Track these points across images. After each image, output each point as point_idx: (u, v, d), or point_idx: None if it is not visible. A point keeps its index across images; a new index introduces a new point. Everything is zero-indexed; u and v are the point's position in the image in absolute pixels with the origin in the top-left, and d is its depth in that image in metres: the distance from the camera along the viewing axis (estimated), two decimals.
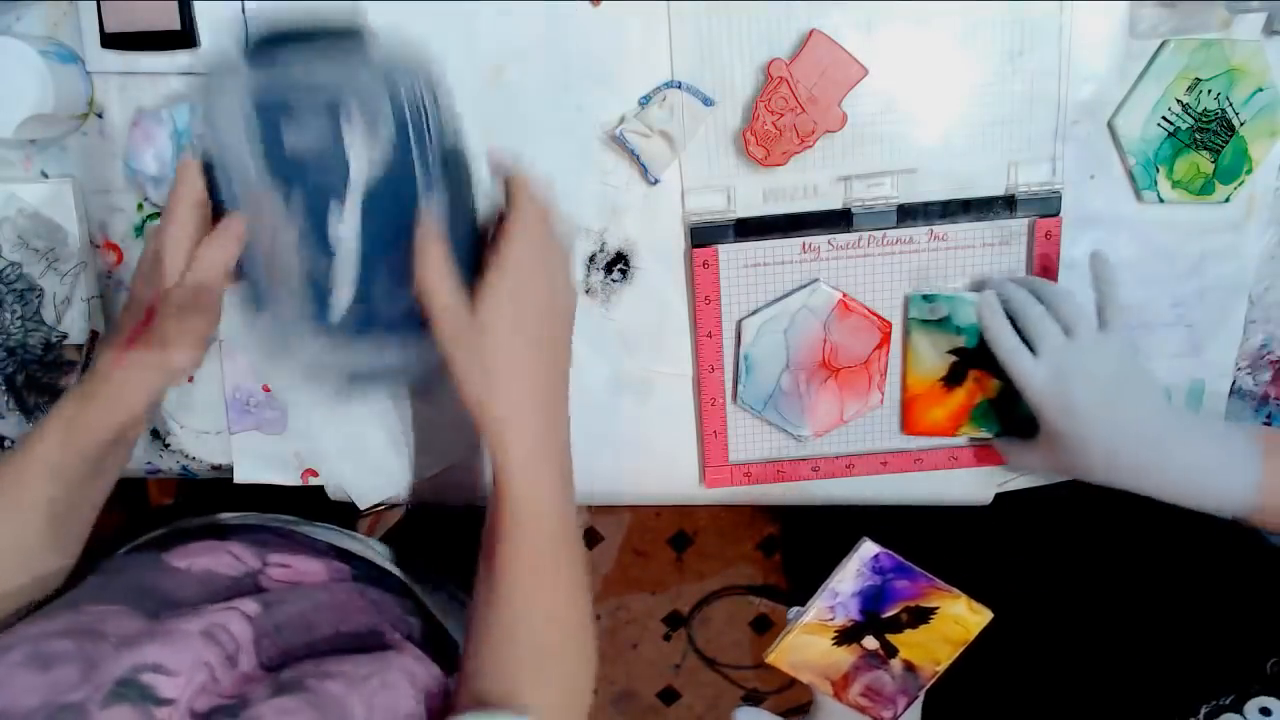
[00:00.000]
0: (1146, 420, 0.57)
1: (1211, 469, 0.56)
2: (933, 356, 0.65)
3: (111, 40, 0.58)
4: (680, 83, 0.61)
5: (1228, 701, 0.53)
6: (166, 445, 0.67)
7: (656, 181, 0.62)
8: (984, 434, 0.67)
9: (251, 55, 0.49)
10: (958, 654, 0.59)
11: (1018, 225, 0.63)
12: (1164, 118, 0.62)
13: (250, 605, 0.51)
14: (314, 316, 0.50)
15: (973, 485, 0.70)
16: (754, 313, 0.64)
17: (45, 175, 0.62)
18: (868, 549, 0.57)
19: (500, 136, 0.62)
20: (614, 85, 0.61)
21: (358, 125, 0.49)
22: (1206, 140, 0.62)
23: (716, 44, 0.60)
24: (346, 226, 0.50)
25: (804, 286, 0.64)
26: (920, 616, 0.58)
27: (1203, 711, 0.54)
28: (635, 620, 1.67)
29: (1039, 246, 0.63)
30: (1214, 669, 0.56)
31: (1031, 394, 0.58)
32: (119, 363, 0.49)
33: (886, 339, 0.65)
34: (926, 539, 0.70)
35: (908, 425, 0.67)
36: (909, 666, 0.59)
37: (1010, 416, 0.65)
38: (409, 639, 0.55)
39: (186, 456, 0.68)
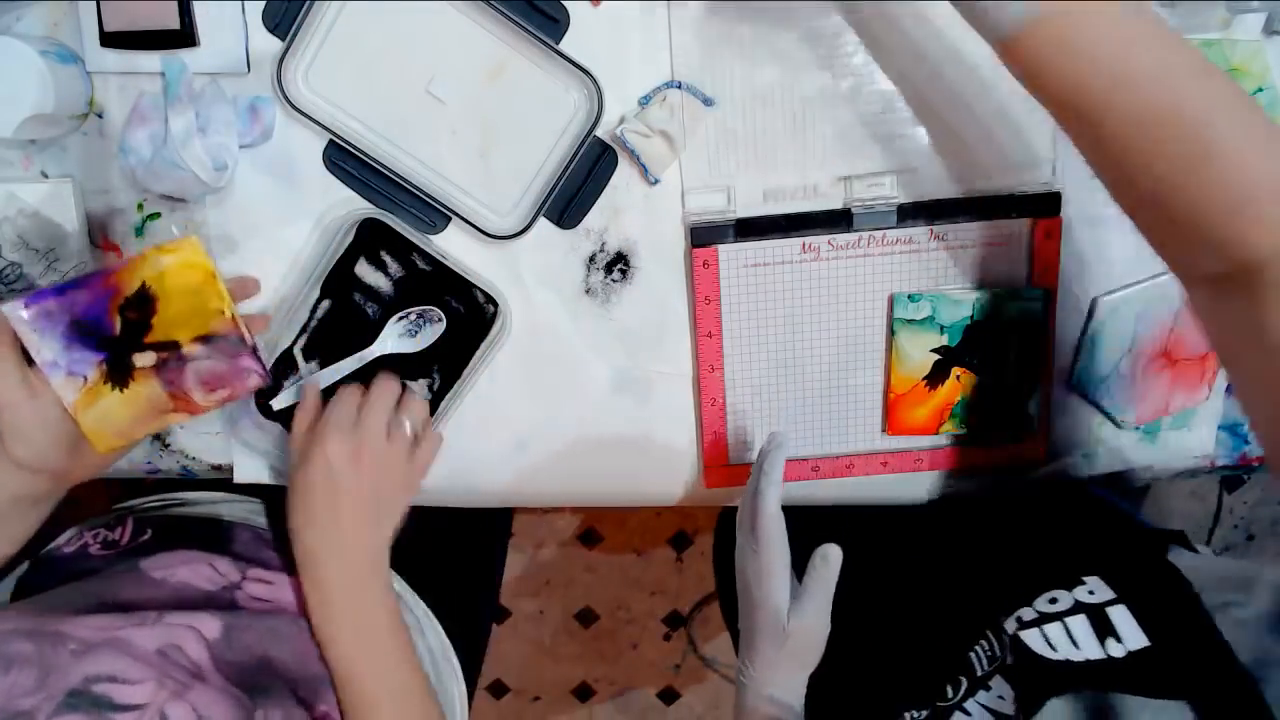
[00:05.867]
0: None
1: None
2: (916, 356, 0.65)
3: (111, 39, 0.58)
4: (680, 83, 0.61)
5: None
6: (166, 445, 0.67)
7: (656, 181, 0.62)
8: (964, 431, 0.67)
9: None
10: (222, 285, 0.54)
11: (1018, 225, 0.63)
12: None
13: (211, 626, 0.50)
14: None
15: (972, 485, 0.70)
16: (1111, 292, 0.64)
17: (45, 175, 0.62)
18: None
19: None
20: (614, 85, 0.61)
21: (416, 326, 0.63)
22: None
23: (717, 44, 0.60)
24: (330, 373, 0.63)
25: (1166, 273, 0.63)
26: (141, 307, 0.53)
27: (1036, 601, 0.53)
28: (635, 620, 1.67)
29: (1039, 246, 0.63)
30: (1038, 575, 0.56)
31: None
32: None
33: None
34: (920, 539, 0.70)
35: (891, 425, 0.67)
36: (207, 339, 0.54)
37: (991, 413, 0.65)
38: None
39: (186, 456, 0.68)
